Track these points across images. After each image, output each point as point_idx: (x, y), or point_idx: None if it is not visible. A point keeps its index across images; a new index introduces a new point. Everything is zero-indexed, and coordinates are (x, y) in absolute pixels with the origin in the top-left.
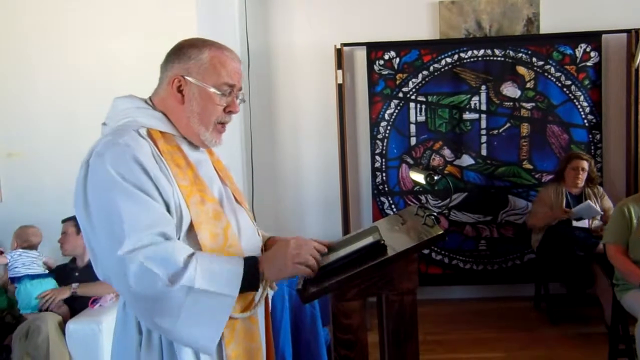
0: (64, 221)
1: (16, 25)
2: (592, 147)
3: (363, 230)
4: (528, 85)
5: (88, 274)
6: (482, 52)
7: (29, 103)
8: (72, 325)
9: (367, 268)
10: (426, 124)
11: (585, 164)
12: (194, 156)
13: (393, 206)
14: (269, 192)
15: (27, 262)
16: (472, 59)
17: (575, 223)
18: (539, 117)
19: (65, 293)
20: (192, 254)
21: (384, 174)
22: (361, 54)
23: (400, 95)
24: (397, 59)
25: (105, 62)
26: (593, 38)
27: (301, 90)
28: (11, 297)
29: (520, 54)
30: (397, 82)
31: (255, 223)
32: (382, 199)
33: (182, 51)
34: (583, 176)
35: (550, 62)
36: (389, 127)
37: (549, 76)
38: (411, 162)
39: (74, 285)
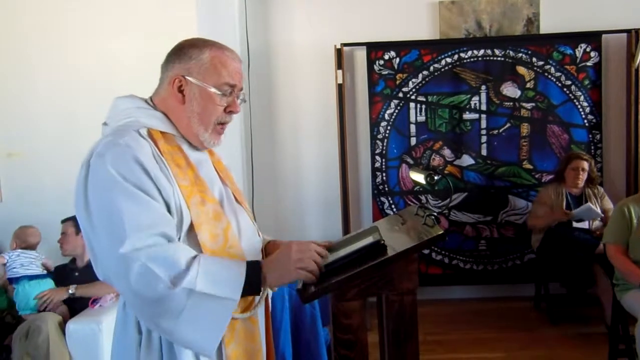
0: (63, 221)
1: (16, 25)
2: (592, 147)
3: (363, 230)
4: (528, 85)
5: (88, 274)
6: (482, 52)
7: (29, 103)
8: (72, 325)
9: (367, 268)
10: (426, 124)
11: (585, 164)
12: (194, 156)
13: (393, 206)
14: (269, 192)
15: (25, 263)
16: (472, 59)
17: (575, 224)
18: (539, 117)
19: (63, 294)
20: (195, 257)
21: (384, 174)
22: (361, 54)
23: (400, 95)
24: (397, 59)
25: (105, 62)
26: (593, 38)
27: (301, 90)
28: (11, 298)
29: (520, 54)
30: (397, 82)
31: (255, 223)
32: (382, 199)
33: (182, 51)
34: (583, 176)
35: (550, 62)
36: (389, 127)
37: (549, 76)
38: (411, 162)
39: (72, 287)
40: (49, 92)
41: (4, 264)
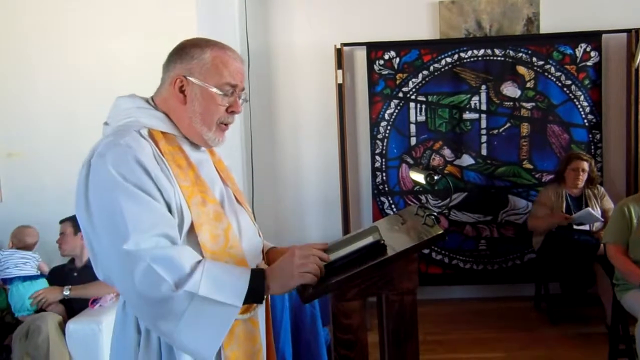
0: (61, 222)
1: (16, 25)
2: (592, 147)
3: (363, 230)
4: (528, 85)
5: (86, 275)
6: (482, 52)
7: (29, 103)
8: (72, 325)
9: (367, 268)
10: (426, 123)
11: (585, 165)
12: (195, 157)
13: (393, 206)
14: (269, 192)
15: (19, 263)
16: (472, 59)
17: (576, 226)
18: (539, 116)
19: (58, 295)
20: (200, 261)
21: (384, 174)
22: (361, 54)
23: (400, 95)
24: (397, 59)
25: (105, 62)
26: (593, 38)
27: (301, 90)
28: None
29: (520, 54)
30: (397, 82)
31: (256, 224)
32: (382, 198)
33: (184, 51)
34: (583, 177)
35: (551, 61)
36: (389, 127)
37: (549, 76)
38: (411, 162)
39: (66, 288)
40: (49, 92)
41: None
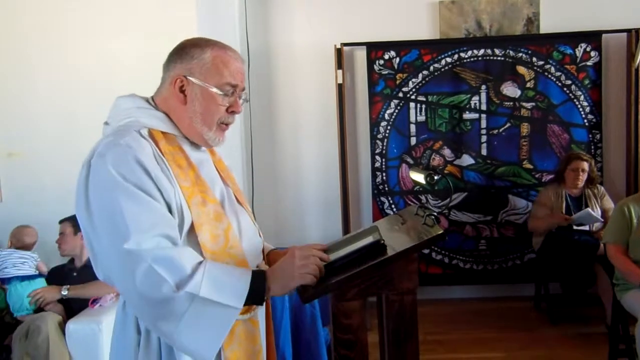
0: (61, 222)
1: (16, 25)
2: (592, 147)
3: (363, 230)
4: (528, 85)
5: (86, 274)
6: (482, 51)
7: (29, 103)
8: (72, 325)
9: (367, 268)
10: (426, 123)
11: (585, 165)
12: (195, 157)
13: (393, 206)
14: (269, 192)
15: (17, 263)
16: (472, 59)
17: (576, 226)
18: (539, 116)
19: (56, 294)
20: (201, 262)
21: (384, 174)
22: (361, 54)
23: (400, 95)
24: (397, 59)
25: (105, 62)
26: (593, 38)
27: (301, 90)
28: None
29: (520, 54)
30: (397, 82)
31: (256, 224)
32: (382, 198)
33: (184, 51)
34: (583, 177)
35: (551, 61)
36: (389, 127)
37: (549, 76)
38: (411, 162)
39: (64, 287)
40: (49, 92)
41: None
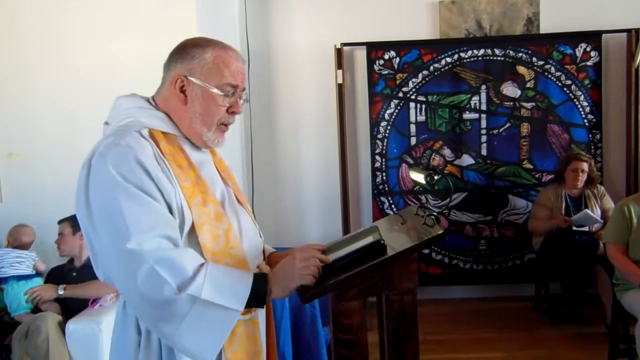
0: (60, 222)
1: (16, 25)
2: (592, 147)
3: (363, 230)
4: (528, 85)
5: (86, 274)
6: (482, 51)
7: (29, 103)
8: (72, 325)
9: (367, 268)
10: (426, 123)
11: (585, 165)
12: (196, 157)
13: (393, 206)
14: (269, 192)
15: (14, 262)
16: (472, 59)
17: (575, 227)
18: (539, 116)
19: (53, 293)
20: (203, 264)
21: (384, 174)
22: (361, 54)
23: (400, 95)
24: (397, 59)
25: (105, 62)
26: (593, 38)
27: (301, 90)
28: None
29: (520, 54)
30: (397, 82)
31: (257, 224)
32: (382, 198)
33: (185, 51)
34: (583, 177)
35: (551, 61)
36: (389, 127)
37: (549, 76)
38: (411, 162)
39: (60, 287)
40: (49, 92)
41: None
